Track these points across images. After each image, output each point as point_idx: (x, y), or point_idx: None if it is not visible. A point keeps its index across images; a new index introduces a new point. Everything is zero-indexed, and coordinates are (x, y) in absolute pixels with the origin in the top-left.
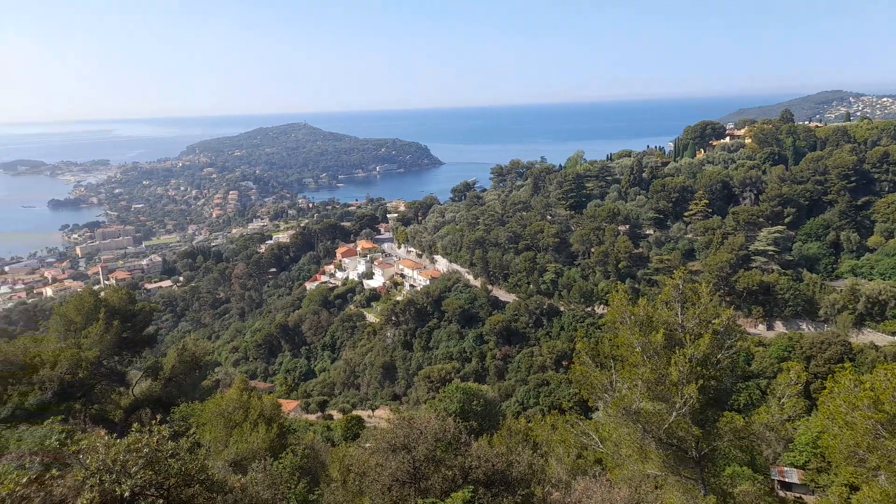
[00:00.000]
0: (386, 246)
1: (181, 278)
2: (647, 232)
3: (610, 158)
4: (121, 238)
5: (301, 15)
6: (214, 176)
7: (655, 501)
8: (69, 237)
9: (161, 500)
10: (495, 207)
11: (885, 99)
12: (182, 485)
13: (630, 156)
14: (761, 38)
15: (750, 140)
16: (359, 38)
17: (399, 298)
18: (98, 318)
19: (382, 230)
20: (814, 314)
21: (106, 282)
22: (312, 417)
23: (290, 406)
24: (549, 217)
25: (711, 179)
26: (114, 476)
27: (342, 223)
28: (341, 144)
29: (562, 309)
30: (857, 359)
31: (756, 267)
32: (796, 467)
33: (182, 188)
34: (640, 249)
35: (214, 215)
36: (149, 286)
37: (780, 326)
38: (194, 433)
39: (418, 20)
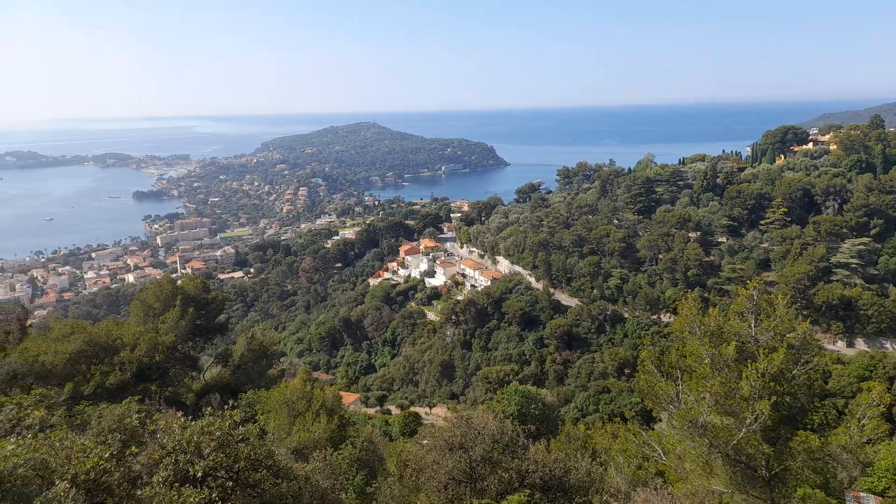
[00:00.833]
0: (448, 245)
1: (252, 270)
2: (720, 240)
3: (682, 162)
4: (197, 229)
5: (373, 17)
6: (286, 172)
7: None
8: (151, 227)
9: (230, 483)
10: (560, 210)
11: None
12: (250, 469)
13: (704, 160)
14: (852, 40)
15: (835, 146)
16: (429, 40)
17: (460, 298)
18: (175, 304)
19: (445, 229)
20: None
21: (183, 270)
22: (371, 411)
23: (350, 399)
24: (615, 221)
25: (791, 187)
26: (188, 456)
27: (406, 221)
28: (408, 144)
29: (626, 316)
30: None
31: (837, 280)
32: (874, 493)
33: (256, 183)
34: (712, 257)
35: (285, 210)
36: (222, 276)
37: (861, 344)
38: (259, 420)
39: (488, 22)
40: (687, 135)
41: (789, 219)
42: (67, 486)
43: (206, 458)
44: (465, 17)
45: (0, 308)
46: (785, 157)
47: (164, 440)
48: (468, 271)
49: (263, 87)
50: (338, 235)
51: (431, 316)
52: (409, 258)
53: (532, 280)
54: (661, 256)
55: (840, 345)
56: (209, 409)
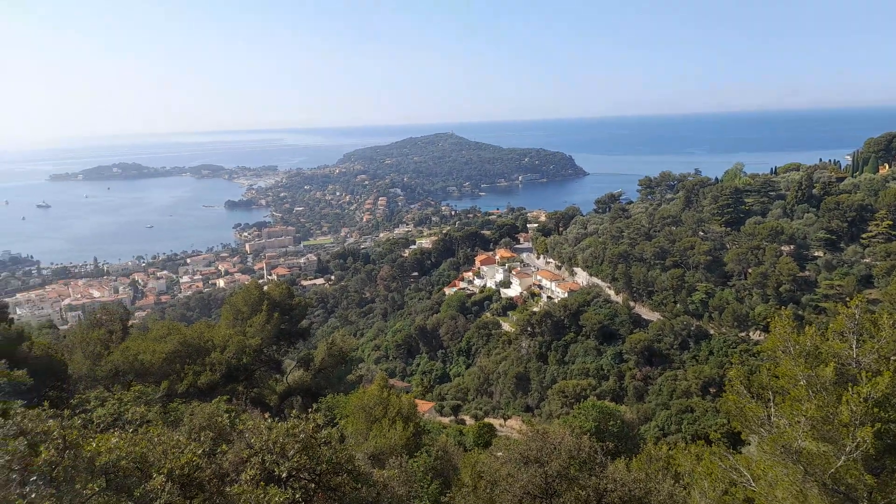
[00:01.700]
0: (524, 256)
1: (332, 277)
2: (816, 254)
3: (774, 172)
4: (283, 237)
5: (451, 30)
6: (367, 182)
7: None
8: (240, 235)
9: (313, 485)
10: (642, 221)
11: None
12: (331, 472)
13: (798, 169)
14: None
15: None
16: (507, 49)
17: (536, 309)
18: (261, 309)
19: (522, 240)
20: None
21: (269, 277)
22: (445, 420)
23: (425, 407)
24: (701, 233)
25: None
26: (273, 457)
27: (482, 231)
28: (485, 154)
29: (711, 332)
30: None
31: None
32: None
33: (337, 193)
34: (807, 273)
35: (365, 219)
36: (304, 283)
37: None
38: (339, 424)
39: (569, 29)
40: (780, 143)
41: (895, 232)
42: (164, 479)
43: (291, 459)
44: (546, 27)
45: (105, 309)
46: (890, 167)
47: (252, 440)
48: (545, 282)
49: (346, 100)
50: (415, 245)
51: (506, 327)
52: (484, 268)
53: (611, 293)
54: (750, 271)
55: None
56: (294, 411)
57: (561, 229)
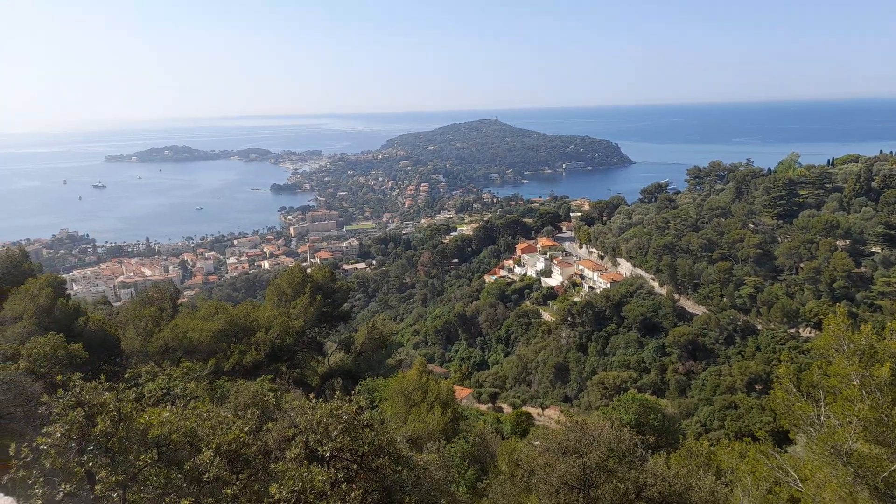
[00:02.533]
0: (566, 245)
1: (374, 262)
2: (873, 249)
3: (831, 163)
4: (326, 222)
5: (495, 15)
6: (409, 168)
7: None
8: (285, 218)
9: (355, 465)
10: (689, 211)
11: None
12: (373, 454)
13: (857, 161)
14: None
15: None
16: (554, 34)
17: (577, 299)
18: (305, 291)
19: (564, 228)
20: None
21: (312, 260)
22: (483, 407)
23: (462, 393)
24: (751, 225)
25: None
26: (317, 436)
27: (524, 219)
28: (529, 141)
29: (759, 327)
30: None
31: None
32: None
33: (380, 179)
34: (862, 269)
35: (406, 205)
36: (346, 267)
37: None
38: (378, 407)
39: (619, 14)
40: (838, 133)
41: None
42: (212, 454)
43: (334, 439)
44: (598, 11)
45: (156, 287)
46: None
47: (297, 419)
48: (587, 272)
49: (391, 85)
50: (456, 231)
51: (547, 316)
52: (525, 256)
53: (655, 284)
54: (802, 265)
55: None
56: (337, 392)
57: (605, 219)
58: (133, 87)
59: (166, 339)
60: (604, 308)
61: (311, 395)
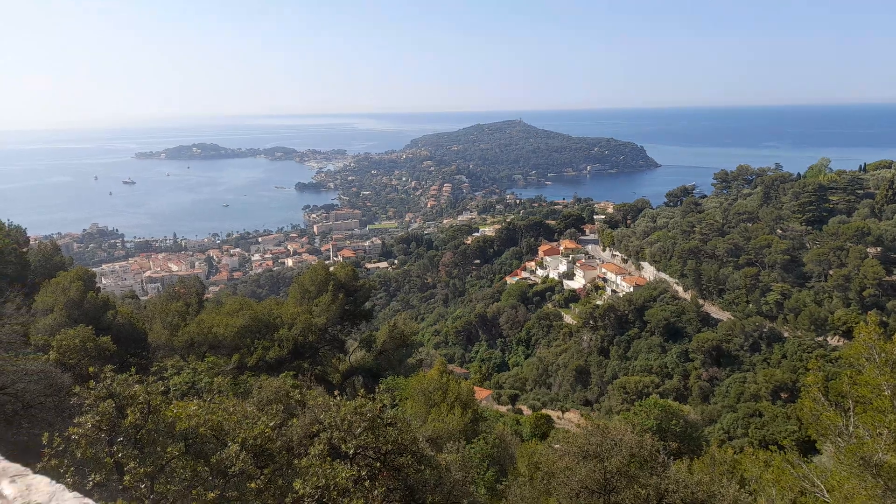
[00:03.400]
0: (589, 248)
1: (396, 261)
2: None
3: (863, 169)
4: (349, 220)
5: (522, 16)
6: (432, 169)
7: None
8: (309, 216)
9: (378, 463)
10: (715, 216)
11: None
12: (396, 452)
13: (890, 167)
14: None
15: None
16: (584, 34)
17: (599, 303)
18: (327, 289)
19: (587, 231)
20: None
21: (335, 258)
22: (503, 409)
23: (482, 394)
24: (779, 231)
25: None
26: (341, 433)
27: (547, 221)
28: (553, 142)
29: (785, 335)
30: None
31: None
32: None
33: (403, 179)
34: (894, 277)
35: (429, 205)
36: (368, 266)
37: None
38: (398, 406)
39: (644, 16)
40: (871, 138)
41: None
42: (238, 448)
43: (357, 437)
44: (618, 10)
45: (183, 282)
46: None
47: (322, 415)
48: (609, 275)
49: (416, 86)
50: (478, 232)
51: (568, 319)
52: (547, 258)
53: (679, 289)
54: (831, 272)
55: None
56: (361, 390)
57: (629, 222)
58: (166, 85)
59: (192, 334)
60: (626, 312)
61: (336, 393)
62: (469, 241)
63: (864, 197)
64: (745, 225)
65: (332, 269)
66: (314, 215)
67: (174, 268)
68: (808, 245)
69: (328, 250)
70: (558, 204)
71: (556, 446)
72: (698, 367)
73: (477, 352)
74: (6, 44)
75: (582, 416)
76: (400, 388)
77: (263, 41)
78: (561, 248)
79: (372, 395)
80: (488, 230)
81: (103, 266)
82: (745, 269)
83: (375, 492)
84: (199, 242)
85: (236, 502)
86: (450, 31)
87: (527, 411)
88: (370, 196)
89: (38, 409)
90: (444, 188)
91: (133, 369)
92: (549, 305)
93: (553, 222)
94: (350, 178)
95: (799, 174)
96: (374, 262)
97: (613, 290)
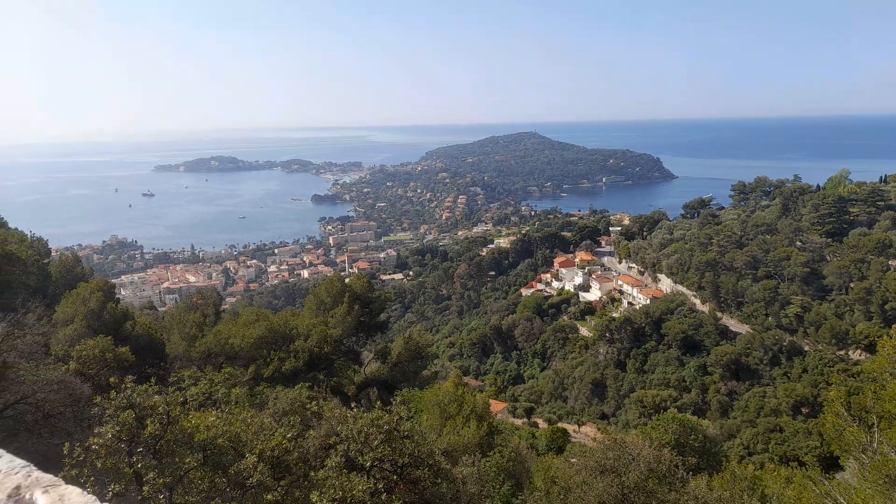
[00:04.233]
0: (605, 259)
1: (411, 273)
2: None
3: (884, 180)
4: (365, 232)
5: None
6: (447, 181)
7: None
8: (325, 228)
9: (395, 476)
10: (733, 228)
11: None
12: (413, 465)
13: None
14: None
15: None
16: (598, 46)
17: (615, 315)
18: (343, 301)
19: (603, 243)
20: None
21: (350, 270)
22: (518, 422)
23: (497, 407)
24: (798, 243)
25: None
26: (358, 446)
27: (562, 233)
28: (568, 154)
29: (806, 349)
30: None
31: None
32: None
33: (419, 190)
34: None
35: (444, 217)
36: (384, 277)
37: None
38: (413, 418)
39: (662, 26)
40: (891, 149)
41: None
42: (255, 459)
43: (375, 449)
44: (633, 24)
45: (200, 294)
46: None
47: (339, 428)
48: (626, 288)
49: (431, 99)
50: (493, 244)
51: (584, 331)
52: (563, 270)
53: (696, 302)
54: (852, 285)
55: None
56: (378, 402)
57: (645, 234)
58: (190, 99)
59: (209, 345)
60: (643, 324)
61: (352, 405)
62: (484, 253)
63: (885, 209)
64: (763, 237)
65: (347, 280)
66: (330, 227)
67: (192, 279)
68: (828, 257)
69: (344, 262)
70: (574, 216)
71: (573, 460)
72: (717, 381)
73: (492, 364)
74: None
75: (599, 429)
76: (415, 401)
77: (274, 56)
78: (577, 259)
79: (388, 408)
80: (503, 242)
81: (122, 277)
82: (764, 282)
83: None
84: (217, 254)
85: None
86: (465, 44)
87: (543, 425)
88: (385, 208)
89: (58, 419)
90: (458, 200)
91: (153, 380)
92: (565, 318)
93: (569, 234)
94: (365, 189)
95: (818, 185)
96: (390, 274)
97: (630, 303)
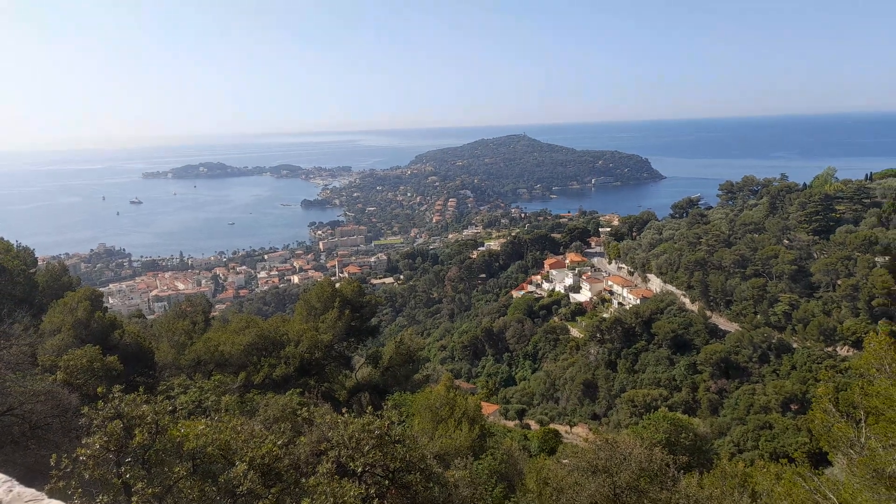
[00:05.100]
0: (595, 260)
1: (401, 277)
2: None
3: (870, 178)
4: (355, 236)
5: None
6: (437, 184)
7: None
8: (315, 233)
9: (386, 481)
10: (721, 227)
11: None
12: (404, 470)
13: None
14: None
15: None
16: (583, 49)
17: (606, 315)
18: (334, 306)
19: (593, 244)
20: None
21: (341, 274)
22: (510, 424)
23: (489, 409)
24: (785, 241)
25: None
26: (349, 451)
27: (552, 234)
28: (558, 156)
29: (794, 346)
30: None
31: None
32: None
33: (409, 194)
34: None
35: (434, 220)
36: (374, 281)
37: None
38: (405, 423)
39: (652, 30)
40: (876, 147)
41: None
42: (246, 467)
43: (366, 454)
44: (623, 22)
45: (189, 301)
46: None
47: (330, 433)
48: (616, 288)
49: (421, 102)
50: (483, 246)
51: (575, 332)
52: (553, 272)
53: (686, 301)
54: (839, 282)
55: None
56: (369, 407)
57: (634, 234)
58: (178, 104)
59: (198, 352)
60: (633, 325)
61: (344, 410)
62: (474, 256)
63: (871, 206)
64: (751, 236)
65: (337, 285)
66: (320, 232)
67: (181, 286)
68: (815, 255)
69: (334, 266)
70: (563, 217)
71: (565, 461)
72: (707, 380)
73: (483, 367)
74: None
75: (590, 430)
76: (407, 405)
77: (263, 57)
78: (567, 261)
79: (379, 412)
80: (494, 244)
81: (110, 286)
82: (753, 280)
83: None
84: (206, 261)
85: None
86: (454, 47)
87: (534, 426)
88: (375, 212)
89: (45, 430)
90: (449, 203)
91: (141, 389)
92: (556, 319)
93: (558, 235)
94: (355, 194)
95: (805, 184)
96: (380, 278)
97: (620, 303)
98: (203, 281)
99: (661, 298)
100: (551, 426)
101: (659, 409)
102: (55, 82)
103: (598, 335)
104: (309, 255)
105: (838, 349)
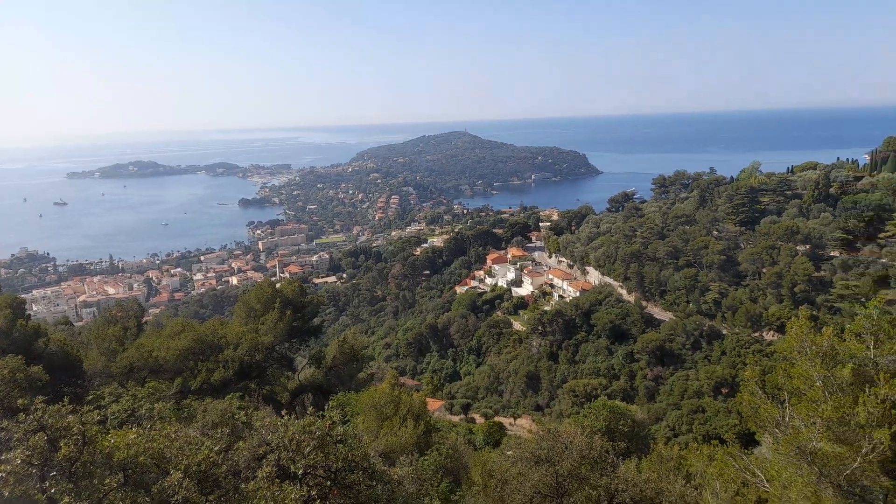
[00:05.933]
0: (536, 255)
1: (344, 275)
2: (832, 254)
3: (791, 171)
4: (296, 235)
5: (458, 34)
6: (379, 181)
7: None
8: (253, 233)
9: (328, 482)
10: (655, 220)
11: None
12: (347, 469)
13: (815, 168)
14: None
15: None
16: (521, 46)
17: (547, 308)
18: (274, 307)
19: (534, 239)
20: None
21: (281, 274)
22: (455, 419)
23: (435, 405)
24: (715, 232)
25: None
26: (289, 454)
27: (494, 230)
28: (499, 152)
29: (724, 332)
30: None
31: None
32: None
33: (350, 192)
34: (822, 273)
35: (377, 218)
36: (316, 281)
37: None
38: (350, 422)
39: (579, 27)
40: (797, 141)
41: None
42: (181, 475)
43: (307, 456)
44: (556, 23)
45: (120, 306)
46: None
47: (269, 437)
48: (556, 282)
49: (361, 99)
50: (426, 243)
51: (517, 326)
52: (496, 267)
53: (623, 292)
54: (764, 270)
55: None
56: (310, 408)
57: (573, 228)
58: (99, 100)
59: (131, 359)
60: (573, 316)
61: (284, 412)
62: (418, 253)
63: (792, 197)
64: (683, 228)
65: (278, 285)
66: (259, 231)
67: (111, 291)
68: (742, 245)
69: (274, 267)
70: (505, 213)
71: (509, 453)
72: (644, 368)
73: (429, 363)
74: None
75: (533, 421)
76: (351, 404)
77: (198, 55)
78: (508, 256)
79: (321, 413)
80: (437, 241)
81: (34, 292)
82: (685, 271)
83: None
84: (138, 263)
85: None
86: (393, 43)
87: (479, 420)
88: (317, 210)
89: None
90: (391, 200)
91: (67, 399)
92: (499, 313)
93: (500, 231)
94: (295, 192)
95: (732, 177)
96: (323, 277)
97: (560, 296)
98: (135, 285)
99: (599, 290)
100: (496, 419)
101: (599, 398)
102: None
103: (539, 328)
104: (248, 256)
105: (764, 334)
